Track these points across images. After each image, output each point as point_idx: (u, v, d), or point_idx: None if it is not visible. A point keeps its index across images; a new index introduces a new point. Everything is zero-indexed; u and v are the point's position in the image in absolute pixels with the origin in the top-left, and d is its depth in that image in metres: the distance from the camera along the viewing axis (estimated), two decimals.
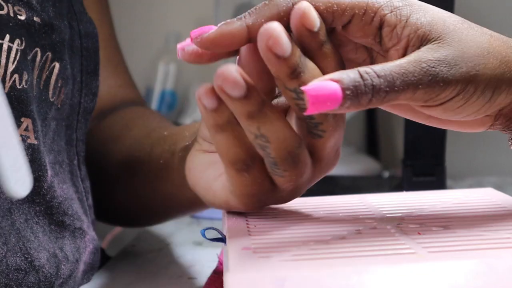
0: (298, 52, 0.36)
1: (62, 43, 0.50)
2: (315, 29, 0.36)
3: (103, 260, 0.62)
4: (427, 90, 0.36)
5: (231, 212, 0.44)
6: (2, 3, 0.46)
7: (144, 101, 0.72)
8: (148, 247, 0.63)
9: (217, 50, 0.38)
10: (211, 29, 0.38)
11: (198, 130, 0.46)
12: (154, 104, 1.34)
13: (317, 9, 0.37)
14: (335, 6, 0.37)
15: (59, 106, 0.50)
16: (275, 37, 0.34)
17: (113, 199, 0.62)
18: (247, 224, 0.41)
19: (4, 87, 0.45)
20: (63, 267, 0.48)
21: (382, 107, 0.39)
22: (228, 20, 0.38)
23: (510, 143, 0.43)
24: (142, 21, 1.58)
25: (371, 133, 1.07)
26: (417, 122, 0.42)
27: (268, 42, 0.35)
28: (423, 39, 0.37)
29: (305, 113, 0.34)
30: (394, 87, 0.35)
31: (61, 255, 0.48)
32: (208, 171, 0.44)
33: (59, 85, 0.49)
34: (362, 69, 0.35)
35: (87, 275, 0.53)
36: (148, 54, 1.49)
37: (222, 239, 0.40)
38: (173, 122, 1.40)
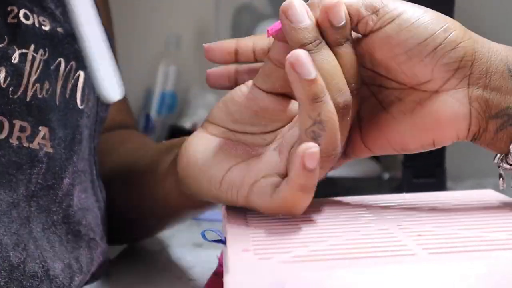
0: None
1: (83, 53, 0.50)
2: (337, 25, 0.40)
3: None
4: None
5: (232, 214, 0.44)
6: (28, 13, 0.46)
7: (138, 129, 0.74)
8: (148, 248, 0.63)
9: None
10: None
11: (208, 114, 0.46)
12: (154, 106, 1.34)
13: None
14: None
15: (89, 113, 0.50)
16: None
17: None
18: (247, 225, 0.41)
19: (26, 97, 0.45)
20: (76, 278, 0.48)
21: None
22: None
23: (498, 161, 0.43)
24: (142, 23, 1.58)
25: None
26: None
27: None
28: None
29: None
30: None
31: (76, 266, 0.48)
32: (218, 157, 0.44)
33: (86, 93, 0.50)
34: None
35: (86, 284, 0.52)
36: (149, 56, 1.49)
37: (222, 241, 0.39)
38: (173, 123, 1.40)
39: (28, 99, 0.45)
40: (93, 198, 0.52)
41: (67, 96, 0.48)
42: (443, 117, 0.42)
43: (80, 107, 0.49)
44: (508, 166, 0.42)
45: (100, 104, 0.53)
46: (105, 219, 0.54)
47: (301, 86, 0.37)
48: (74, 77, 0.48)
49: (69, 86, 0.48)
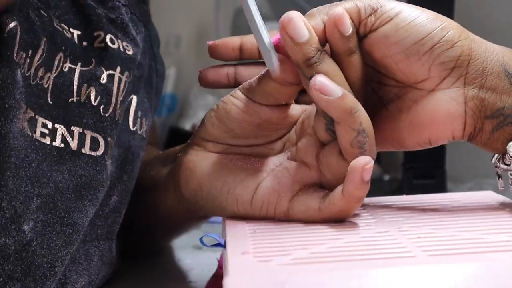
0: (315, 41, 0.39)
1: (140, 79, 0.51)
2: (347, 34, 0.40)
3: None
4: None
5: (231, 217, 0.44)
6: (114, 38, 0.48)
7: (159, 145, 0.73)
8: (147, 251, 0.63)
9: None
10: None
11: (198, 132, 0.46)
12: None
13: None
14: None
15: (144, 136, 0.51)
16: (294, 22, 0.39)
17: None
18: (247, 228, 0.41)
19: (115, 115, 0.46)
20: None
21: None
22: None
23: (495, 161, 0.43)
24: None
25: None
26: None
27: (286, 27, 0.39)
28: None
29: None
30: None
31: (95, 282, 0.48)
32: (237, 175, 0.44)
33: (139, 115, 0.50)
34: None
35: None
36: None
37: (221, 245, 0.39)
38: (173, 125, 1.40)
39: (116, 118, 0.46)
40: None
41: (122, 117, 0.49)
42: (438, 116, 0.42)
43: (132, 128, 0.49)
44: (505, 167, 0.42)
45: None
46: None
47: (336, 104, 0.38)
48: (128, 100, 0.49)
49: (123, 107, 0.48)
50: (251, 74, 0.47)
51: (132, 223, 0.54)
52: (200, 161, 0.45)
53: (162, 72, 0.58)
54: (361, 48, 0.42)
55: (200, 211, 0.47)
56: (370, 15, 0.41)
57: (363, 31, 0.42)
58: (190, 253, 0.61)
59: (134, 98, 0.50)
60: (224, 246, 0.39)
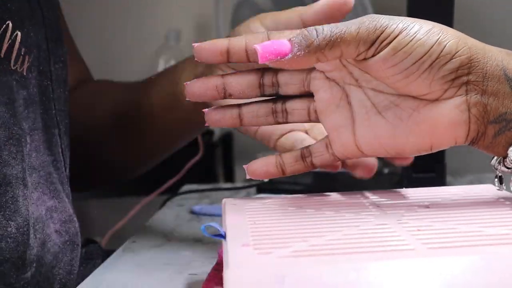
0: None
1: (20, 13, 0.51)
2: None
3: (103, 256, 0.62)
4: (366, 28, 0.40)
5: (232, 209, 0.44)
6: None
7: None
8: (148, 243, 0.63)
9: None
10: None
11: None
12: None
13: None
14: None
15: (24, 73, 0.51)
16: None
17: (109, 147, 0.67)
18: (247, 220, 0.41)
19: None
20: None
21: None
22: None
23: (495, 163, 0.43)
24: (142, 18, 1.57)
25: None
26: None
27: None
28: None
29: (259, 62, 0.40)
30: (335, 30, 0.40)
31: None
32: None
33: (22, 53, 0.50)
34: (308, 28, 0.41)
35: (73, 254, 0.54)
36: (149, 51, 1.49)
37: (222, 235, 0.40)
38: None
39: None
40: (48, 158, 0.54)
41: (2, 56, 0.49)
42: (442, 124, 0.41)
43: (13, 67, 0.50)
44: (506, 170, 0.42)
45: (53, 62, 0.56)
46: (66, 179, 0.58)
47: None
48: (12, 37, 0.49)
49: (5, 46, 0.48)
50: (240, 83, 0.46)
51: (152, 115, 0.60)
52: None
53: (49, 1, 0.58)
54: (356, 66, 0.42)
55: None
56: (368, 48, 0.40)
57: (360, 59, 0.41)
58: (190, 245, 0.61)
59: (19, 34, 0.50)
60: (224, 237, 0.39)
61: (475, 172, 0.97)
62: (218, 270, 0.48)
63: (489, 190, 0.47)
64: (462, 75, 0.41)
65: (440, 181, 0.74)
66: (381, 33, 0.40)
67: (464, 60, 0.40)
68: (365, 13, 1.19)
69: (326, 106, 0.45)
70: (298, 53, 0.40)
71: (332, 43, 0.40)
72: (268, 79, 0.46)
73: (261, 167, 0.46)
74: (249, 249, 0.34)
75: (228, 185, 1.02)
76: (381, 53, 0.40)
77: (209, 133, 1.50)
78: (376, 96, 0.43)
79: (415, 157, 0.47)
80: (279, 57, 0.40)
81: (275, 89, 0.46)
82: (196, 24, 1.55)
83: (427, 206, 0.43)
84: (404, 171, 0.76)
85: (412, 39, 0.40)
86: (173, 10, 1.57)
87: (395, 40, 0.40)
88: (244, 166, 0.47)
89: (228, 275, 0.31)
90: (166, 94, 0.62)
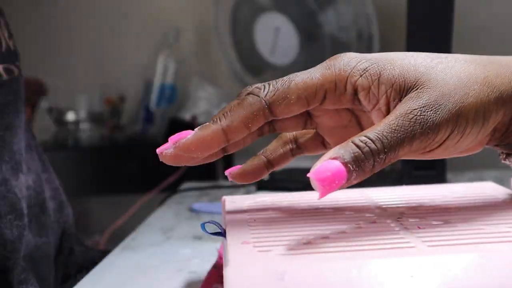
0: None
1: None
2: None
3: (102, 254, 0.62)
4: (422, 139, 0.36)
5: (231, 206, 0.44)
6: None
7: None
8: (147, 241, 0.63)
9: (195, 155, 0.38)
10: (188, 135, 0.37)
11: None
12: (153, 98, 1.34)
13: (288, 103, 0.38)
14: (305, 91, 0.38)
15: None
16: None
17: None
18: (247, 218, 0.41)
19: None
20: None
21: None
22: (204, 124, 0.38)
23: (501, 157, 0.43)
24: (142, 15, 1.57)
25: None
26: None
27: None
28: (401, 91, 0.37)
29: (319, 198, 0.34)
30: (391, 147, 0.35)
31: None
32: None
33: None
34: (357, 138, 0.35)
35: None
36: (148, 48, 1.49)
37: (222, 233, 0.40)
38: (172, 116, 1.40)
39: None
40: None
41: None
42: (459, 150, 0.40)
43: None
44: None
45: None
46: None
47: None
48: None
49: None
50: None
51: None
52: None
53: None
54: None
55: None
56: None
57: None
58: (190, 244, 0.61)
59: None
60: (224, 235, 0.39)
61: (476, 169, 0.97)
62: (218, 268, 0.48)
63: (489, 187, 0.47)
64: (497, 132, 0.40)
65: (440, 178, 0.74)
66: (437, 134, 0.37)
67: (499, 125, 0.39)
68: (368, 23, 1.18)
69: (331, 129, 0.43)
70: (354, 180, 0.35)
71: (389, 160, 0.36)
72: (265, 128, 0.43)
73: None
74: (249, 247, 0.34)
75: (228, 182, 1.02)
76: (444, 144, 0.38)
77: None
78: None
79: None
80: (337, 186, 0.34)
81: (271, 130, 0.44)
82: (196, 22, 1.55)
83: (427, 204, 0.43)
84: (404, 168, 0.76)
85: (462, 136, 0.38)
86: (172, 8, 1.57)
87: (453, 133, 0.37)
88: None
89: (228, 272, 0.31)
90: None
